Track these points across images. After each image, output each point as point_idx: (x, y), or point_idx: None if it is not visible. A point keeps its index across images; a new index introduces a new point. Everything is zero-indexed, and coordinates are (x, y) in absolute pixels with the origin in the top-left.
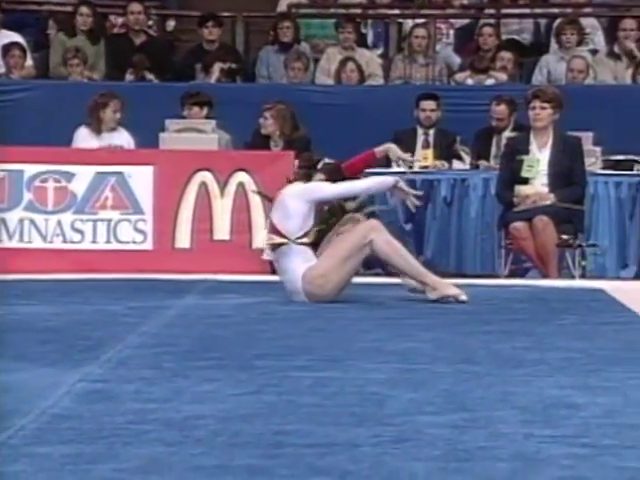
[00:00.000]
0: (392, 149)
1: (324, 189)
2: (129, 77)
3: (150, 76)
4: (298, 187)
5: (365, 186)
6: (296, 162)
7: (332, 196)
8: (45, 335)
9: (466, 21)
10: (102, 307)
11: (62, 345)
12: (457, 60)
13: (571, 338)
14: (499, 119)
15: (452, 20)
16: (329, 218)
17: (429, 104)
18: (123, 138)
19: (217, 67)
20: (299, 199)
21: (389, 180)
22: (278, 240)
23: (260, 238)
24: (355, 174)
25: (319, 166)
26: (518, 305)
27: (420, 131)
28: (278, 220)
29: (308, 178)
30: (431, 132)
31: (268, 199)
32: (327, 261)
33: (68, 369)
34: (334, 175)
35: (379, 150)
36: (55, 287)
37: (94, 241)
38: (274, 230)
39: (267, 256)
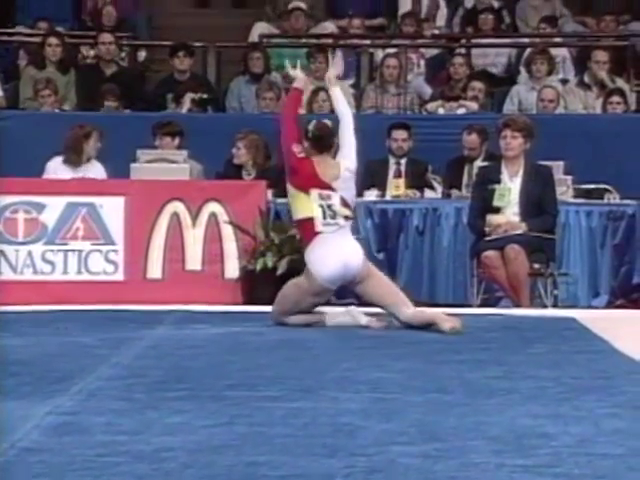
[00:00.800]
0: (305, 79)
1: (353, 158)
2: (108, 104)
3: (114, 104)
4: (349, 165)
5: (349, 118)
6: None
7: (355, 157)
8: (15, 367)
9: (437, 51)
10: (73, 338)
11: (32, 377)
12: (428, 90)
13: (543, 367)
14: (470, 148)
15: (423, 50)
16: None
17: (401, 134)
18: (97, 171)
19: (188, 97)
20: (353, 178)
21: (335, 89)
22: (351, 215)
23: (233, 266)
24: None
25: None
26: (490, 334)
27: (392, 161)
28: (346, 195)
29: (331, 146)
30: (403, 161)
31: (240, 229)
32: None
33: (38, 401)
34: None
35: (297, 86)
36: (25, 318)
37: (65, 272)
38: (346, 204)
39: (324, 226)
